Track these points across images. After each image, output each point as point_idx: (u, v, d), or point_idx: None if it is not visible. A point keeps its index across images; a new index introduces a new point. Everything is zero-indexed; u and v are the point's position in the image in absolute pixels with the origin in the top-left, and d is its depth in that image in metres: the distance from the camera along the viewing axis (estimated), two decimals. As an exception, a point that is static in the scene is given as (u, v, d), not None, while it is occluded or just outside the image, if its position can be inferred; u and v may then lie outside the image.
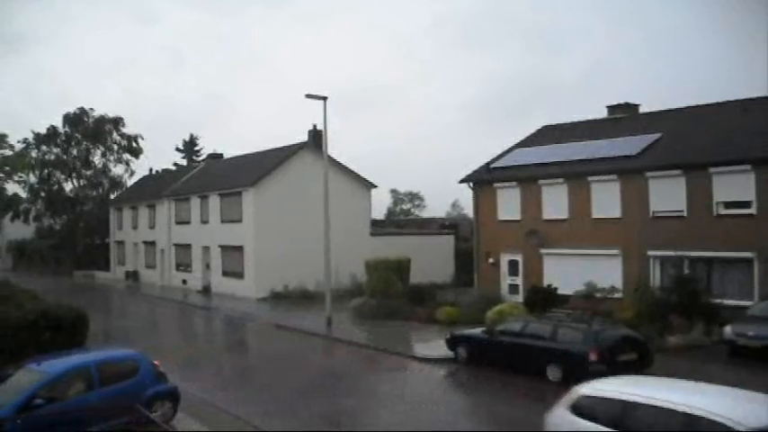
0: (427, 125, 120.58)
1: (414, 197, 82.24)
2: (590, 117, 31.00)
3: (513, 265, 28.18)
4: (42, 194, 56.12)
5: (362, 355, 20.24)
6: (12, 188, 48.00)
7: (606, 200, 24.81)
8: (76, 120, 55.24)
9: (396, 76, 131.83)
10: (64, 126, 55.19)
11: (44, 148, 54.70)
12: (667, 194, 23.08)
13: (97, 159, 57.27)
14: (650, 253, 23.31)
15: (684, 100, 68.85)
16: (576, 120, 31.40)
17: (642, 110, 30.08)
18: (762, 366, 16.45)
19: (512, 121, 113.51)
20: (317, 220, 26.74)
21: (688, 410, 7.94)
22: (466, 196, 35.79)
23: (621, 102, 30.35)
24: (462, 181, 30.33)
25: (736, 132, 22.81)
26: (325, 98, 24.22)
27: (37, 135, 54.06)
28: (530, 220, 27.36)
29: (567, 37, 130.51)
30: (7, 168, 33.65)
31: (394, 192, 79.99)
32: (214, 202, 38.69)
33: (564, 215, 26.21)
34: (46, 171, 55.28)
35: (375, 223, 43.12)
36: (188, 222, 41.65)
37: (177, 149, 67.85)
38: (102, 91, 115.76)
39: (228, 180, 39.14)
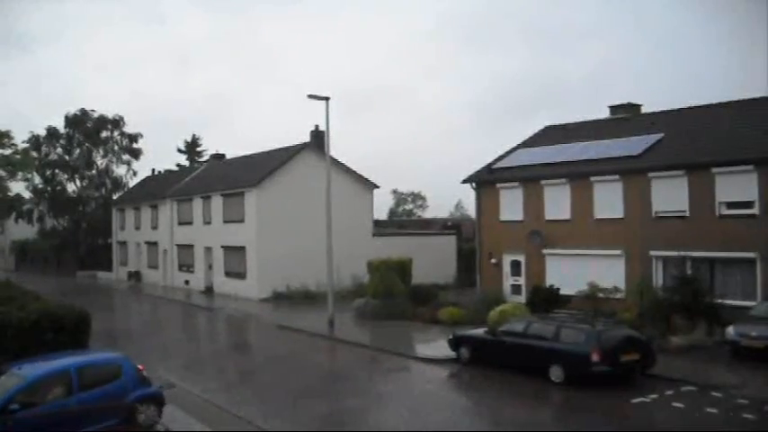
0: (431, 125, 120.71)
1: (416, 197, 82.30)
2: (594, 117, 31.00)
3: (515, 266, 28.17)
4: (45, 195, 56.32)
5: (365, 356, 20.24)
6: (15, 189, 48.22)
7: (608, 200, 24.78)
8: (77, 120, 55.40)
9: (400, 76, 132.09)
10: (65, 127, 55.41)
11: (44, 149, 54.79)
12: (670, 195, 23.04)
13: (99, 160, 57.59)
14: (653, 253, 23.28)
15: (687, 100, 68.88)
16: (579, 120, 31.41)
17: (645, 110, 30.00)
18: (764, 367, 16.44)
19: (516, 122, 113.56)
20: (320, 221, 26.77)
21: None
22: (469, 197, 35.76)
23: (624, 102, 30.32)
24: (465, 181, 30.31)
25: (739, 133, 22.80)
26: (327, 99, 24.19)
27: (36, 136, 54.13)
28: (532, 221, 27.34)
29: (571, 37, 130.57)
30: (10, 167, 33.71)
31: (396, 192, 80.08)
32: (216, 202, 38.73)
33: (566, 215, 26.18)
34: (49, 172, 55.49)
35: (377, 223, 43.14)
36: (190, 223, 41.70)
37: (179, 150, 67.93)
38: (107, 91, 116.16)
39: (231, 180, 39.15)
